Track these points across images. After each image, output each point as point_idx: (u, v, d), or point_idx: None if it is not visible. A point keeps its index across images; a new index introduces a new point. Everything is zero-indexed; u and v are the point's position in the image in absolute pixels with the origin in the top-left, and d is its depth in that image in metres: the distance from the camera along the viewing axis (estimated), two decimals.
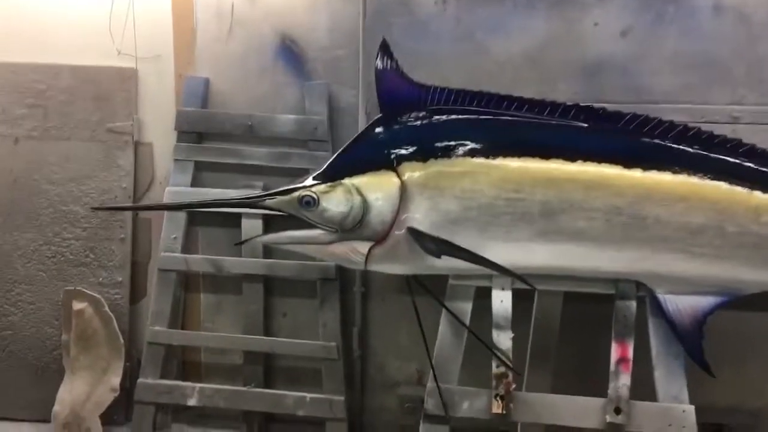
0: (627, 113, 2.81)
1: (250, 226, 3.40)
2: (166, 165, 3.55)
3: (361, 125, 3.28)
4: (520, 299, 2.87)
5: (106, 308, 3.55)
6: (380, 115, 2.91)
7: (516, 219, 2.68)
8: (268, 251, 3.40)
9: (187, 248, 3.50)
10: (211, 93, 3.47)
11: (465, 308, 2.92)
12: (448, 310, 2.99)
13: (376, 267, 2.88)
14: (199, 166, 3.47)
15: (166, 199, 3.40)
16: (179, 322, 3.59)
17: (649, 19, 3.18)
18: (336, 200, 2.72)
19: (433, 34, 3.26)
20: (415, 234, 2.73)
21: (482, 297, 2.90)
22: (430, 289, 2.97)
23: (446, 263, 2.79)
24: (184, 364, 3.62)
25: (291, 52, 3.41)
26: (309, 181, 2.82)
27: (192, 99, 3.43)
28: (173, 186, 3.44)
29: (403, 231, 2.71)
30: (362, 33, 3.30)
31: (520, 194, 2.66)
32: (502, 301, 2.86)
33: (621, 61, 3.22)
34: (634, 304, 2.87)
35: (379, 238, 2.77)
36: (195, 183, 3.46)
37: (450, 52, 3.27)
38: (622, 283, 2.83)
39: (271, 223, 3.34)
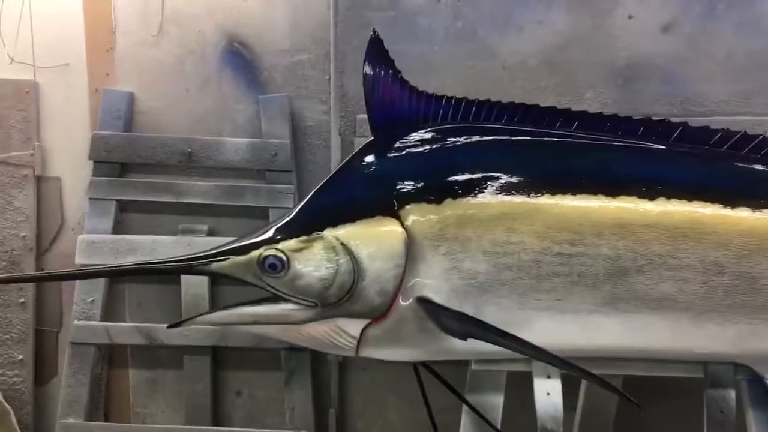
0: (719, 129, 2.16)
1: (193, 283, 2.81)
2: (80, 205, 2.94)
3: (335, 150, 2.81)
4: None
5: (0, 398, 2.86)
6: (371, 138, 2.22)
7: (572, 282, 2.02)
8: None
9: (109, 313, 2.89)
10: (137, 111, 2.91)
11: (494, 403, 2.23)
12: (471, 408, 2.23)
13: (372, 353, 2.15)
14: (122, 207, 2.89)
15: (80, 251, 2.79)
16: (101, 410, 2.97)
17: (698, 11, 2.68)
18: (314, 262, 2.01)
19: (424, 32, 2.76)
20: (428, 307, 2.02)
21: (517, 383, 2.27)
22: (444, 379, 2.33)
23: (471, 347, 2.05)
24: None
25: (241, 58, 2.86)
26: (272, 233, 2.08)
27: (112, 120, 2.86)
28: (89, 233, 2.83)
29: (411, 303, 2.03)
30: (333, 31, 2.75)
31: (578, 247, 2.00)
32: (548, 394, 2.13)
33: (662, 64, 2.70)
34: (733, 394, 2.16)
35: (376, 314, 2.05)
36: (118, 229, 2.87)
37: (445, 54, 2.76)
38: (715, 366, 2.17)
39: (221, 281, 2.73)
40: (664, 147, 2.13)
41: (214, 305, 2.83)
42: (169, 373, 2.99)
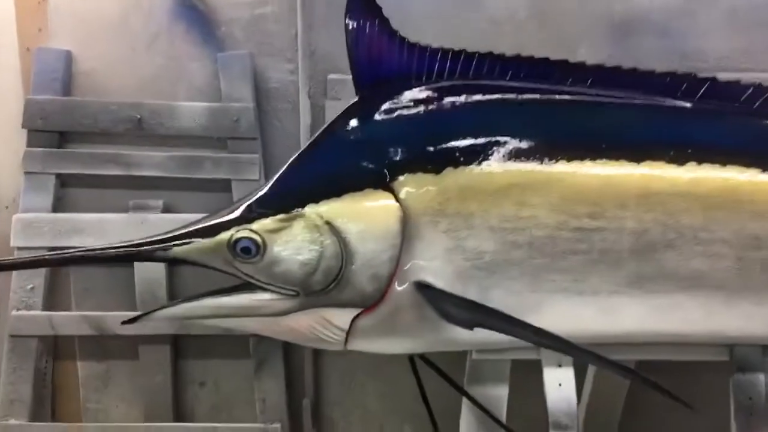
0: (751, 84, 1.92)
1: (147, 265, 2.51)
2: (14, 181, 2.57)
3: (304, 115, 2.51)
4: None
5: None
6: (356, 99, 1.94)
7: (592, 261, 1.77)
8: (175, 294, 2.51)
9: (52, 302, 2.56)
10: (76, 73, 2.53)
11: (497, 394, 1.99)
12: (474, 401, 1.99)
13: (363, 346, 1.90)
14: (63, 181, 2.54)
15: (16, 232, 2.45)
16: (47, 408, 2.64)
17: None
18: (294, 244, 1.74)
19: None
20: (428, 293, 1.77)
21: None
22: (444, 371, 2.10)
23: (477, 336, 1.80)
24: None
25: (194, 10, 2.50)
26: (243, 211, 1.80)
27: (47, 82, 2.50)
28: (26, 212, 2.49)
29: (408, 288, 1.78)
30: None
31: (599, 220, 1.75)
32: (560, 384, 1.87)
33: (660, 18, 2.47)
34: (762, 378, 1.92)
35: (368, 303, 1.79)
36: (59, 206, 2.53)
37: (426, 5, 2.46)
38: (742, 348, 1.94)
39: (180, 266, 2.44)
40: (690, 105, 1.90)
41: (172, 289, 2.54)
42: (122, 365, 2.68)
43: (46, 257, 2.08)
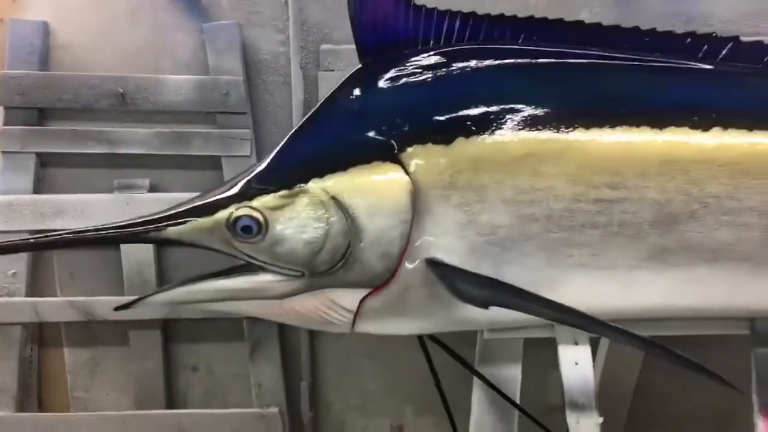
0: None
1: (135, 248, 2.40)
2: None
3: (296, 88, 2.40)
4: None
5: None
6: (359, 66, 1.79)
7: (612, 233, 1.67)
8: (164, 277, 2.43)
9: (36, 287, 2.45)
10: (54, 46, 2.39)
11: (510, 375, 1.91)
12: (486, 382, 1.90)
13: (371, 327, 1.79)
14: (44, 161, 2.41)
15: None
16: (34, 398, 2.55)
17: None
18: (298, 221, 1.63)
19: None
20: (440, 270, 1.66)
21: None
22: (453, 349, 2.00)
23: (491, 315, 1.69)
24: None
25: None
26: (242, 187, 1.68)
27: (23, 56, 2.36)
28: (5, 194, 2.35)
29: (419, 266, 1.67)
30: None
31: (619, 191, 1.65)
32: (577, 363, 1.78)
33: None
34: None
35: (377, 282, 1.68)
36: (39, 187, 2.41)
37: None
38: (764, 321, 1.83)
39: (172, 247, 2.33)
40: (711, 67, 1.79)
41: (162, 272, 2.46)
42: (112, 351, 2.57)
43: (28, 241, 1.93)
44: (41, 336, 2.57)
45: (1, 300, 2.36)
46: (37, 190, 2.39)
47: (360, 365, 2.60)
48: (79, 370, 2.59)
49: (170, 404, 2.56)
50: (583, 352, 1.81)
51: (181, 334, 2.56)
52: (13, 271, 2.39)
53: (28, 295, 2.40)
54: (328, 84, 2.27)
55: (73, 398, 2.59)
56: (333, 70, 2.30)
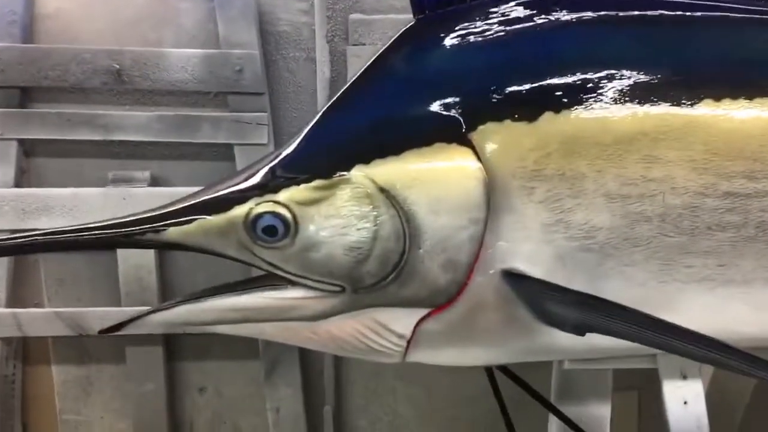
0: None
1: (133, 251, 2.30)
2: None
3: (321, 64, 2.31)
4: None
5: None
6: (411, 23, 1.53)
7: (746, 238, 1.41)
8: (167, 285, 2.35)
9: (18, 296, 2.36)
10: (39, 15, 2.30)
11: (597, 413, 1.67)
12: (568, 422, 1.64)
13: (428, 357, 1.52)
14: (27, 149, 2.34)
15: None
16: (16, 420, 2.44)
17: None
18: (336, 220, 1.37)
19: None
20: (521, 286, 1.39)
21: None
22: (530, 386, 1.74)
23: (585, 342, 1.40)
24: None
25: None
26: (263, 176, 1.42)
27: (4, 27, 2.28)
28: None
29: (493, 279, 1.40)
30: None
31: (759, 182, 1.39)
32: (686, 402, 1.53)
33: None
34: None
35: (439, 300, 1.41)
36: (23, 179, 2.32)
37: None
38: None
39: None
40: None
41: (164, 279, 2.34)
42: (107, 370, 2.47)
43: (9, 242, 1.69)
44: (25, 352, 2.46)
45: None
46: (19, 183, 2.29)
47: (390, 387, 2.53)
48: (69, 391, 2.49)
49: (173, 430, 2.48)
50: (694, 388, 1.55)
51: (186, 350, 2.47)
52: None
53: (9, 305, 2.28)
54: (358, 60, 2.18)
55: (63, 422, 2.49)
56: (364, 44, 2.19)
